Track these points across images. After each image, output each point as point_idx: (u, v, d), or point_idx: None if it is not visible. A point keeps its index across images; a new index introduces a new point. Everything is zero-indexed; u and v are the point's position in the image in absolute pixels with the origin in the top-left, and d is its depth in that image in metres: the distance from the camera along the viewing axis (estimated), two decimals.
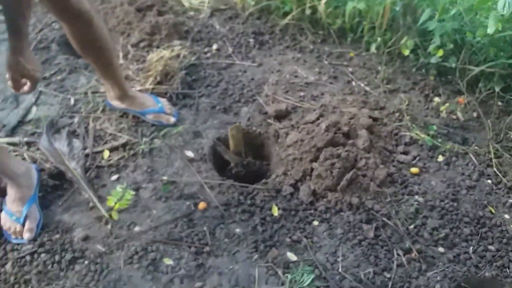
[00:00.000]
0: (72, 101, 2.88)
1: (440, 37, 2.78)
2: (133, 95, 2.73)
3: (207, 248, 2.18)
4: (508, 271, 2.16)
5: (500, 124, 2.82)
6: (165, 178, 2.46)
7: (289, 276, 2.09)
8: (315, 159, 2.45)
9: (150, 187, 2.41)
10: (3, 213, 2.28)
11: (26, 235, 2.20)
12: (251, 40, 3.41)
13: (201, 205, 2.35)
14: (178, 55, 3.04)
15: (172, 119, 2.75)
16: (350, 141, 2.49)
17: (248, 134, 2.74)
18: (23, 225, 2.21)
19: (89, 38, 2.29)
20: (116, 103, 2.75)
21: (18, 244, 2.18)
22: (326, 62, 3.27)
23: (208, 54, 3.27)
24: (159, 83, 2.89)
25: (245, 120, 2.79)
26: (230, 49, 3.32)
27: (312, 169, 2.44)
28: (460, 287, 2.12)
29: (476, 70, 2.79)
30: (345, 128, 2.51)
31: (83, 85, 2.98)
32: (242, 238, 2.24)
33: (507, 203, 2.42)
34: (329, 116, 2.59)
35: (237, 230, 2.27)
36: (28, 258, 2.14)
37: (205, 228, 2.26)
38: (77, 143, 2.60)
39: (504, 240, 2.26)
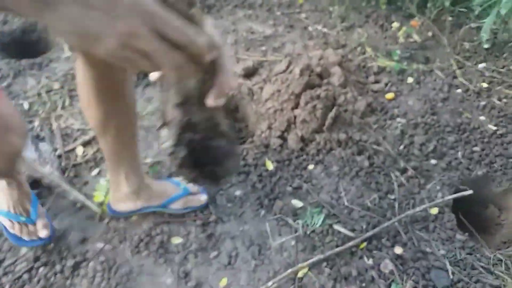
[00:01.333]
0: (26, 106, 2.66)
1: None
2: (149, 184, 2.04)
3: (212, 217, 2.13)
4: (495, 165, 2.29)
5: (455, 37, 2.94)
6: (148, 160, 2.35)
7: (300, 222, 2.10)
8: (296, 105, 2.44)
9: None
10: (1, 218, 2.00)
11: (44, 233, 1.95)
12: (198, 6, 3.28)
13: None
14: None
15: (204, 197, 2.16)
16: (325, 81, 2.50)
17: None
18: (35, 224, 1.97)
19: (122, 93, 1.54)
20: (126, 206, 2.07)
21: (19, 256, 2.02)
22: (278, 13, 3.22)
23: None
24: None
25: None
26: None
27: (295, 116, 2.43)
28: (459, 190, 2.23)
29: None
30: (318, 69, 2.50)
31: (34, 86, 2.75)
32: (244, 199, 2.21)
33: (479, 106, 2.55)
34: (299, 61, 2.57)
35: (237, 193, 2.23)
36: (25, 276, 1.99)
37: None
38: (44, 146, 2.41)
39: (486, 140, 2.40)
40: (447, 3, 2.87)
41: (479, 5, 2.76)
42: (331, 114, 2.36)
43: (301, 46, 2.89)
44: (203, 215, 2.14)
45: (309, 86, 2.46)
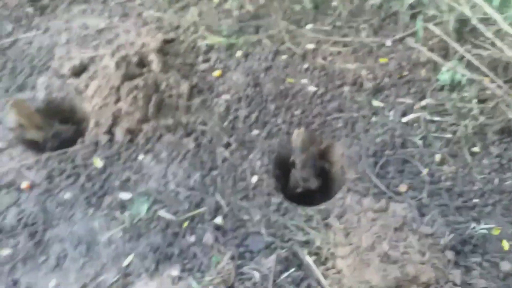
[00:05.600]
0: None
1: None
2: None
3: (41, 225, 2.12)
4: (314, 125, 2.40)
5: (285, 2, 2.99)
6: None
7: (127, 213, 2.13)
8: (119, 99, 2.43)
9: None
10: None
11: None
12: (30, 9, 3.15)
13: (24, 185, 2.25)
14: None
15: None
16: (145, 69, 2.49)
17: (52, 103, 2.62)
18: None
19: None
20: None
21: None
22: (113, 4, 3.15)
23: None
24: None
25: (44, 91, 2.64)
26: (10, 26, 3.05)
27: (120, 110, 2.42)
28: (280, 156, 2.33)
29: None
30: (135, 59, 2.48)
31: None
32: (73, 201, 2.20)
33: (302, 69, 2.64)
34: (118, 53, 2.54)
35: (67, 196, 2.22)
36: None
37: (35, 208, 2.18)
38: None
39: (306, 102, 2.49)
40: None
41: None
42: (152, 102, 2.38)
43: (134, 34, 2.85)
44: (32, 223, 2.13)
45: (128, 77, 2.44)
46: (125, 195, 2.20)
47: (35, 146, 2.51)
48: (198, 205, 2.14)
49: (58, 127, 2.52)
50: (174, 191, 2.19)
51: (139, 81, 2.37)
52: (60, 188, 2.25)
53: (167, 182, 2.24)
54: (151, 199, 2.17)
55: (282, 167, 2.35)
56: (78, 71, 2.67)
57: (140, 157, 2.34)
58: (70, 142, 2.49)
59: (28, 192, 2.25)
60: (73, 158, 2.35)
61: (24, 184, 2.26)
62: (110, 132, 2.41)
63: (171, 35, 2.78)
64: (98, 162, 2.32)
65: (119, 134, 2.38)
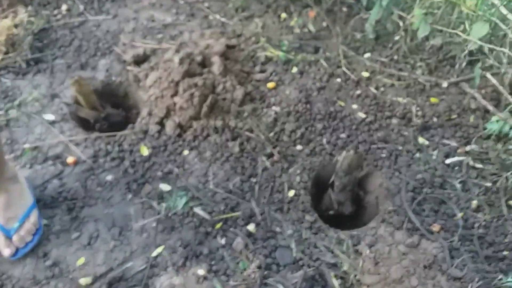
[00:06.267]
0: None
1: None
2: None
3: (80, 201, 2.21)
4: (358, 151, 2.42)
5: (347, 28, 3.05)
6: (26, 146, 2.41)
7: (164, 204, 2.20)
8: (176, 93, 2.52)
9: (11, 157, 2.35)
10: None
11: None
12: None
13: (70, 159, 2.35)
14: (22, 22, 2.89)
15: (7, 252, 1.98)
16: (206, 69, 2.58)
17: (109, 86, 2.73)
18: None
19: None
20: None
21: None
22: (182, 2, 3.27)
23: (59, 16, 3.13)
24: (6, 53, 2.75)
25: (104, 73, 2.76)
26: (81, 7, 3.20)
27: (175, 104, 2.51)
28: (318, 174, 2.36)
29: None
30: (199, 58, 2.58)
31: None
32: (114, 184, 2.29)
33: (354, 95, 2.67)
34: (182, 50, 2.64)
35: (109, 178, 2.31)
36: None
37: (76, 184, 2.28)
38: None
39: (354, 127, 2.52)
40: None
41: None
42: (207, 102, 2.45)
43: (197, 34, 2.95)
44: (72, 198, 2.21)
45: (189, 74, 2.53)
46: (165, 187, 2.28)
47: (86, 125, 2.62)
48: (233, 209, 2.19)
49: (110, 110, 2.63)
50: (212, 191, 2.25)
51: (198, 80, 2.46)
52: (104, 169, 2.34)
53: (207, 181, 2.30)
54: (189, 194, 2.23)
55: (319, 187, 2.39)
56: (140, 60, 2.79)
57: (185, 152, 2.42)
58: (119, 126, 2.60)
59: (73, 167, 2.35)
60: (121, 142, 2.44)
61: (70, 159, 2.36)
62: (161, 123, 2.50)
63: (233, 41, 2.87)
64: (145, 150, 2.41)
65: (170, 127, 2.46)
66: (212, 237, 2.09)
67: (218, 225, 2.13)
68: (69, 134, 2.47)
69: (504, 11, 2.45)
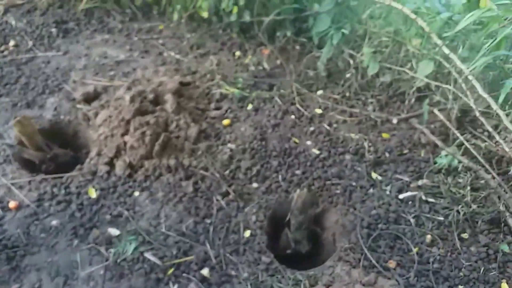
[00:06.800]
0: None
1: None
2: None
3: (21, 249, 2.05)
4: (313, 188, 2.42)
5: (300, 66, 3.12)
6: None
7: (113, 250, 2.08)
8: (126, 132, 2.44)
9: None
10: None
11: None
12: (54, 30, 3.24)
13: (12, 204, 2.20)
14: None
15: None
16: (159, 107, 2.53)
17: (57, 125, 2.62)
18: None
19: None
20: None
21: None
22: (136, 39, 3.25)
23: (5, 52, 3.02)
24: None
25: (52, 111, 2.66)
26: (30, 43, 3.11)
27: (125, 143, 2.43)
28: (275, 213, 2.33)
29: (267, 20, 3.02)
30: (151, 96, 2.53)
31: None
32: (59, 229, 2.15)
33: (308, 132, 2.70)
34: (134, 87, 2.59)
35: (54, 223, 2.17)
36: None
37: (18, 230, 2.12)
38: None
39: (308, 163, 2.53)
40: (288, 33, 3.05)
41: (317, 36, 2.95)
42: (159, 140, 2.39)
43: (151, 71, 2.92)
44: (12, 246, 2.06)
45: (140, 112, 2.48)
46: (114, 231, 2.16)
47: (31, 166, 2.48)
48: (186, 253, 2.10)
49: (57, 150, 2.51)
50: (164, 234, 2.16)
51: (150, 118, 2.40)
52: (49, 213, 2.20)
53: (159, 223, 2.21)
54: (140, 239, 2.13)
55: (276, 225, 2.35)
56: (90, 98, 2.71)
57: (136, 193, 2.32)
58: (67, 167, 2.48)
59: (15, 212, 2.20)
60: (68, 184, 2.32)
61: (12, 204, 2.21)
62: (111, 163, 2.40)
63: (188, 78, 2.86)
64: (93, 193, 2.30)
65: (119, 167, 2.37)
66: (163, 284, 1.98)
67: (170, 271, 2.02)
68: (12, 177, 2.32)
69: (446, 50, 2.60)
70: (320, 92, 2.98)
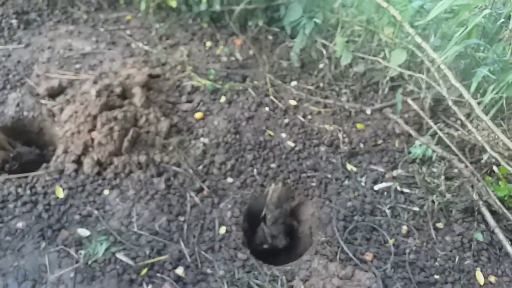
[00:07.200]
0: None
1: None
2: None
3: None
4: (288, 181, 2.39)
5: (273, 57, 3.06)
6: None
7: (83, 252, 2.00)
8: (94, 128, 2.34)
9: None
10: None
11: None
12: (14, 21, 3.07)
13: None
14: None
15: None
16: (127, 101, 2.44)
17: (20, 122, 2.49)
18: None
19: None
20: None
21: None
22: (102, 30, 3.12)
23: None
24: None
25: (14, 107, 2.52)
26: None
27: (92, 139, 2.33)
28: (251, 208, 2.29)
29: (238, 9, 2.95)
30: (118, 90, 2.43)
31: None
32: (26, 231, 2.05)
33: (283, 124, 2.66)
34: (101, 81, 2.48)
35: (19, 225, 2.06)
36: None
37: None
38: None
39: (283, 156, 2.50)
40: (260, 23, 2.98)
41: (289, 25, 2.90)
42: (128, 136, 2.30)
43: (119, 64, 2.81)
44: None
45: (108, 107, 2.38)
46: (83, 232, 2.07)
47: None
48: (159, 252, 2.04)
49: (20, 149, 2.39)
50: (137, 234, 2.09)
51: (118, 113, 2.31)
52: (14, 216, 2.09)
53: (131, 222, 2.13)
54: (111, 239, 2.05)
55: (252, 220, 2.31)
56: (55, 93, 2.58)
57: (106, 192, 2.23)
58: (32, 165, 2.36)
59: None
60: (33, 184, 2.21)
61: None
62: (78, 161, 2.30)
63: (157, 70, 2.76)
64: (60, 192, 2.19)
65: (87, 165, 2.27)
66: (137, 285, 1.92)
67: (144, 271, 1.96)
68: None
69: (418, 39, 2.59)
70: (294, 83, 2.93)
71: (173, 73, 2.82)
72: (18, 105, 2.53)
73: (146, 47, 2.99)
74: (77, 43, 2.97)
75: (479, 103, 2.50)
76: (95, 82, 2.52)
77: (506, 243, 2.17)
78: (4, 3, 3.19)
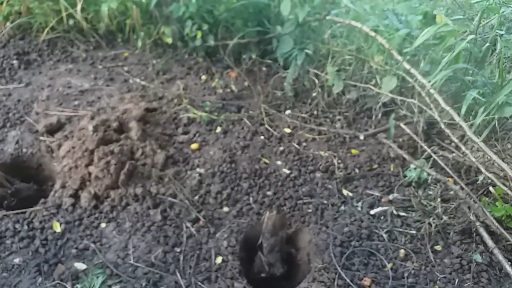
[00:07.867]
0: None
1: (191, 20, 2.96)
2: None
3: None
4: (285, 208, 2.40)
5: (268, 87, 3.13)
6: None
7: (79, 286, 1.99)
8: (91, 162, 2.38)
9: None
10: None
11: None
12: (15, 62, 3.18)
13: None
14: None
15: None
16: (123, 135, 2.49)
17: (19, 158, 2.54)
18: None
19: None
20: None
21: None
22: (100, 67, 3.22)
23: None
24: None
25: (13, 145, 2.57)
26: None
27: (90, 174, 2.37)
28: (247, 237, 2.29)
29: (231, 43, 3.05)
30: (115, 124, 2.49)
31: None
32: (23, 267, 2.05)
33: (278, 151, 2.69)
34: (98, 116, 2.55)
35: (16, 260, 2.07)
36: None
37: None
38: None
39: (279, 183, 2.51)
40: (254, 55, 3.08)
41: (281, 57, 2.99)
42: (125, 169, 2.34)
43: (117, 99, 2.88)
44: None
45: (104, 141, 2.43)
46: (80, 265, 2.07)
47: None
48: (156, 284, 2.02)
49: (19, 185, 2.42)
50: (133, 266, 2.08)
51: (115, 147, 2.35)
52: (11, 251, 2.10)
53: (127, 255, 2.13)
54: (108, 272, 2.05)
55: (248, 249, 2.30)
56: (54, 129, 2.64)
57: (103, 225, 2.25)
58: (30, 201, 2.38)
59: None
60: (31, 219, 2.23)
61: None
62: (75, 195, 2.33)
63: (154, 104, 2.83)
64: (57, 227, 2.21)
65: (85, 199, 2.30)
66: None
67: None
68: None
69: (407, 66, 2.66)
70: (288, 111, 2.99)
71: (170, 106, 2.89)
72: (17, 142, 2.59)
73: (144, 82, 3.08)
74: (76, 81, 3.07)
75: (470, 126, 2.53)
76: (92, 118, 2.59)
77: (505, 263, 2.14)
78: (6, 45, 3.32)
